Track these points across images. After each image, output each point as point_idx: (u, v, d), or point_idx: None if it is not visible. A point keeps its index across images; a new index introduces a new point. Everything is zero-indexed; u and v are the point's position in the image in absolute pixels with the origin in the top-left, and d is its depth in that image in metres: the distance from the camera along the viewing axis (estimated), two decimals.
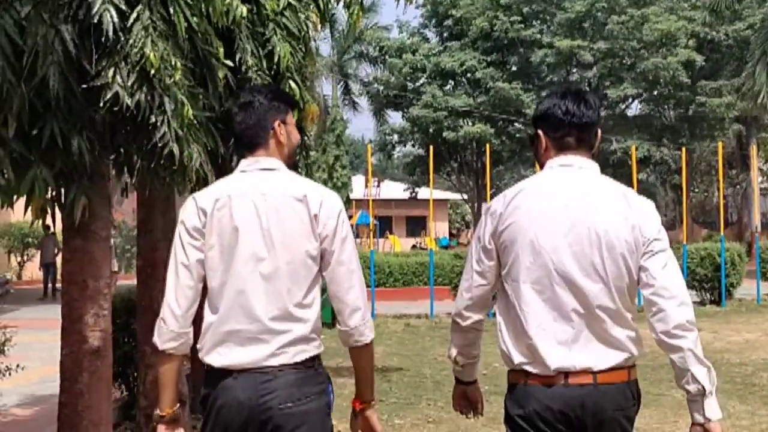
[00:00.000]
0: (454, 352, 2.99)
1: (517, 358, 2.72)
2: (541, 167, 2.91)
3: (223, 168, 5.54)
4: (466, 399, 3.11)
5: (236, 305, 2.71)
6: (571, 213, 2.71)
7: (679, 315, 2.68)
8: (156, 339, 2.79)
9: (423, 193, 39.82)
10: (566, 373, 2.64)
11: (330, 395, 2.81)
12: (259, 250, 2.71)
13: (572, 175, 2.80)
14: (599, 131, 2.93)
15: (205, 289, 2.81)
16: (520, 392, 2.74)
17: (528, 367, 2.70)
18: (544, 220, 2.71)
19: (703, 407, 2.63)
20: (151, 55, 4.19)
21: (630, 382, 2.72)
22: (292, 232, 2.72)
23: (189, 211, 2.79)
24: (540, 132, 2.88)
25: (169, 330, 2.76)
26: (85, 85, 4.23)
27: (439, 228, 48.37)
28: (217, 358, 2.72)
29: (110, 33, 4.11)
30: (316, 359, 2.76)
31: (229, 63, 5.11)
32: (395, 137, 39.75)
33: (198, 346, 2.81)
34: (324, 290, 2.83)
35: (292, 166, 3.00)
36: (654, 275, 2.68)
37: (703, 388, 2.62)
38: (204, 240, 2.75)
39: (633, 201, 2.77)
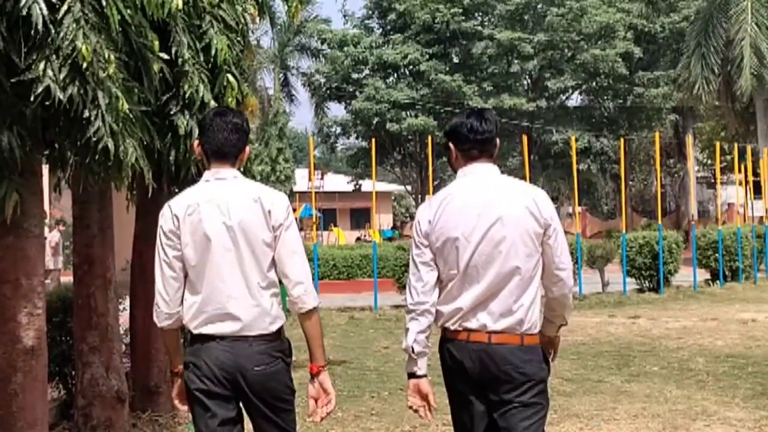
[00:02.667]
0: (411, 339, 3.44)
1: (441, 318, 3.44)
2: (455, 172, 3.58)
3: (159, 163, 5.47)
4: (419, 393, 3.47)
5: (214, 289, 3.33)
6: (485, 209, 3.38)
7: (570, 282, 3.52)
8: (155, 319, 3.44)
9: (367, 185, 39.83)
10: (469, 331, 3.37)
11: (290, 357, 3.47)
12: (226, 243, 3.33)
13: (481, 180, 3.47)
14: (498, 142, 3.58)
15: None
16: (442, 343, 3.47)
17: (446, 326, 3.44)
18: (465, 218, 3.39)
19: (558, 329, 3.63)
20: (84, 49, 4.12)
21: (523, 346, 3.36)
22: (252, 226, 3.34)
23: (165, 217, 3.41)
24: (451, 145, 3.55)
25: (163, 312, 3.41)
26: (14, 79, 4.13)
27: (384, 220, 48.43)
28: (203, 329, 3.35)
29: (40, 26, 4.03)
30: (280, 330, 3.42)
31: (165, 56, 5.04)
32: (337, 129, 39.68)
33: (185, 321, 3.41)
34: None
35: None
36: (557, 253, 3.42)
37: (567, 323, 3.63)
38: (179, 240, 3.36)
39: (531, 193, 3.45)
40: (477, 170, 3.48)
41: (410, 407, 3.52)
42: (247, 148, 3.51)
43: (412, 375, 3.46)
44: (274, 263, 3.39)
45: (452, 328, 3.40)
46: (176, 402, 3.59)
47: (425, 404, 3.47)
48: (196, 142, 3.54)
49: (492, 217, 3.35)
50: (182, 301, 3.40)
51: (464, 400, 3.43)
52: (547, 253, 3.41)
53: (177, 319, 3.41)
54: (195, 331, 3.36)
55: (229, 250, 3.32)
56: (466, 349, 3.36)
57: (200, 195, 3.39)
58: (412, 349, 3.41)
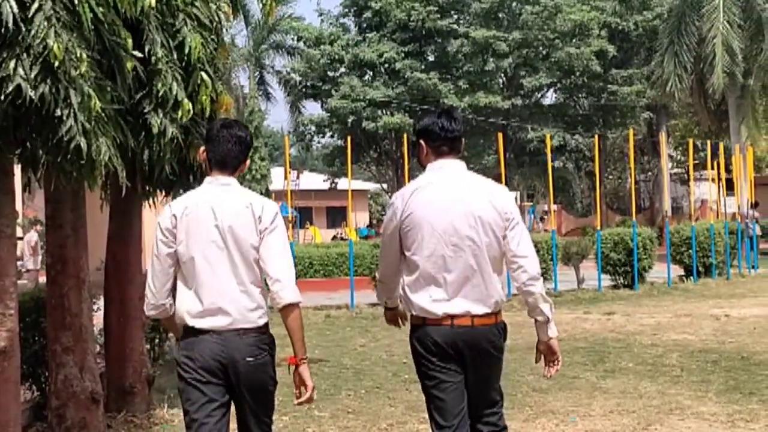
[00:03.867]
0: (383, 299, 4.21)
1: (417, 308, 3.79)
2: (423, 168, 3.94)
3: (133, 162, 5.44)
4: (395, 316, 4.23)
5: (206, 285, 3.62)
6: (453, 201, 3.76)
7: (533, 269, 3.79)
8: (144, 308, 3.80)
9: (343, 183, 39.75)
10: (452, 317, 3.72)
11: (274, 350, 3.76)
12: (219, 243, 3.64)
13: (449, 174, 3.85)
14: (463, 139, 3.98)
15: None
16: (420, 331, 3.80)
17: (425, 314, 3.76)
18: (434, 209, 3.75)
19: (548, 330, 3.85)
20: (55, 47, 4.08)
21: (497, 324, 3.82)
22: (242, 230, 3.64)
23: (164, 215, 3.71)
24: (422, 142, 3.91)
25: (150, 303, 3.75)
26: None
27: (360, 218, 48.41)
28: (197, 322, 3.63)
29: (10, 24, 4.00)
30: (266, 325, 3.70)
31: (138, 54, 5.00)
32: (313, 128, 39.58)
33: (179, 313, 3.69)
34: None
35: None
36: (515, 242, 3.79)
37: (548, 317, 3.83)
38: (174, 237, 3.66)
39: (493, 189, 3.87)
40: (446, 165, 3.87)
41: (387, 322, 4.33)
42: (248, 160, 3.84)
43: (387, 309, 4.25)
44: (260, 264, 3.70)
45: (433, 316, 3.74)
46: None
47: (399, 320, 4.25)
48: (201, 149, 3.85)
49: (461, 211, 3.74)
50: (169, 294, 3.72)
51: (447, 371, 3.79)
52: (508, 242, 3.79)
53: (163, 310, 3.75)
54: (190, 324, 3.64)
55: (221, 250, 3.63)
56: (451, 333, 3.73)
57: (198, 198, 3.73)
58: (386, 302, 4.21)
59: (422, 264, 3.75)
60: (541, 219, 44.30)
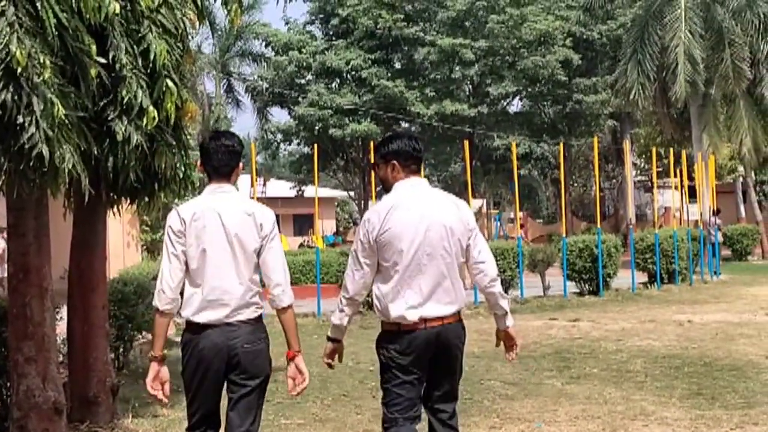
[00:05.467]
0: (345, 321, 4.39)
1: (394, 316, 4.15)
2: (388, 188, 4.35)
3: (97, 169, 5.38)
4: (336, 352, 4.50)
5: (212, 283, 4.01)
6: (427, 216, 4.21)
7: (491, 272, 4.35)
8: (157, 303, 4.03)
9: (309, 191, 39.65)
10: (426, 320, 4.15)
11: (269, 342, 4.17)
12: (225, 247, 4.04)
13: (419, 190, 4.32)
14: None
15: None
16: (394, 335, 4.19)
17: (401, 320, 4.15)
18: (411, 223, 4.19)
19: (506, 321, 4.44)
20: (18, 53, 4.05)
21: (460, 322, 4.33)
22: (244, 235, 4.06)
23: (173, 219, 4.06)
24: (395, 162, 4.33)
25: (167, 297, 4.02)
26: None
27: (327, 226, 48.32)
28: (200, 317, 4.01)
29: None
30: (260, 317, 4.14)
31: (102, 61, 4.96)
32: (280, 136, 39.44)
33: (182, 311, 4.02)
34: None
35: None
36: (476, 251, 4.31)
37: (506, 311, 4.42)
38: (185, 239, 4.02)
39: (458, 203, 4.39)
40: (416, 183, 4.36)
41: (325, 360, 4.48)
42: (240, 164, 4.24)
43: (334, 340, 4.45)
44: (257, 267, 4.11)
45: (410, 321, 4.13)
46: (151, 387, 4.09)
47: (336, 358, 4.52)
48: (199, 162, 4.22)
49: (434, 224, 4.19)
50: (179, 291, 4.02)
51: (411, 373, 4.17)
52: (470, 250, 4.31)
53: (177, 304, 4.05)
54: (193, 319, 4.01)
55: (226, 252, 4.04)
56: (425, 334, 4.14)
57: (204, 205, 4.09)
58: (342, 325, 4.41)
59: (401, 272, 4.15)
60: (521, 225, 44.44)
